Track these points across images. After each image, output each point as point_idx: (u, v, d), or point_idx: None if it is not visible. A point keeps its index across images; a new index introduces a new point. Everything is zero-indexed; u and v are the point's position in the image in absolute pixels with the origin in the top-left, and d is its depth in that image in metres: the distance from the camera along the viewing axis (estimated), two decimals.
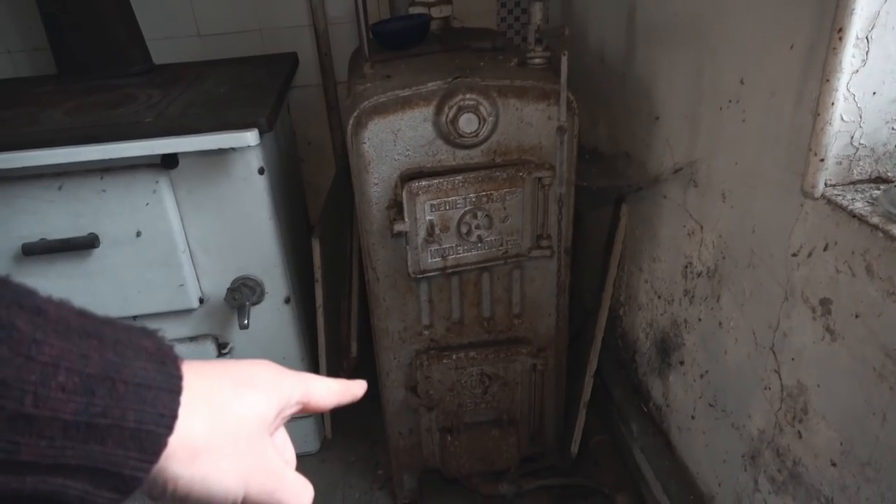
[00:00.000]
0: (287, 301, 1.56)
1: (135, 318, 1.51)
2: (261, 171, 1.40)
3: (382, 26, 1.49)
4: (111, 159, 1.29)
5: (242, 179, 1.40)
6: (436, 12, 1.56)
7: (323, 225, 1.62)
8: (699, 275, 1.11)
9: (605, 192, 1.38)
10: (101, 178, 1.34)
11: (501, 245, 1.24)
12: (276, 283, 1.54)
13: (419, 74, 1.25)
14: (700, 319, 1.12)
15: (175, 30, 1.95)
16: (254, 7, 1.95)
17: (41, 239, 1.37)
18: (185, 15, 1.94)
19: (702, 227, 1.09)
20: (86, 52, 1.71)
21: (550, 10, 1.96)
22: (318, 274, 1.58)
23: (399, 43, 1.47)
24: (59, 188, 1.34)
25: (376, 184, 1.22)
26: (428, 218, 1.18)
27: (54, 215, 1.36)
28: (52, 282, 1.42)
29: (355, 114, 1.18)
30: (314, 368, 1.69)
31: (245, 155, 1.37)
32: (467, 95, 1.14)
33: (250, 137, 1.29)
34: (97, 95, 1.59)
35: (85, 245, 1.37)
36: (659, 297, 1.28)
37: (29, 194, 1.34)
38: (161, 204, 1.38)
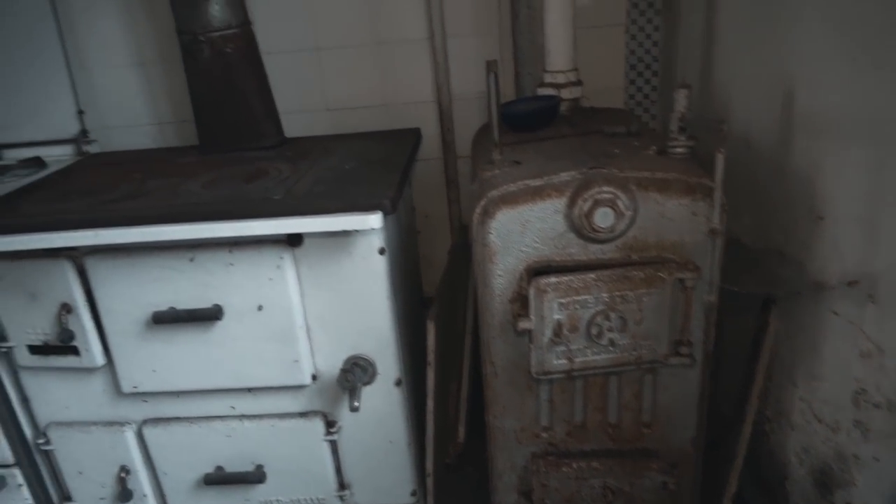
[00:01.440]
0: (398, 384, 1.51)
1: (249, 390, 1.52)
2: (381, 252, 1.38)
3: (511, 108, 1.46)
4: (241, 236, 1.31)
5: (363, 259, 1.39)
6: (566, 93, 1.51)
7: (439, 307, 1.57)
8: (877, 406, 0.95)
9: (754, 293, 1.25)
10: (230, 251, 1.37)
11: (635, 349, 1.13)
12: (388, 365, 1.49)
13: (550, 162, 1.19)
14: (878, 459, 0.95)
15: (306, 104, 2.02)
16: (381, 84, 1.99)
17: (170, 307, 1.41)
18: (316, 91, 2.01)
19: (882, 351, 0.93)
20: (225, 126, 1.80)
21: None
22: (431, 357, 1.53)
23: (527, 125, 1.43)
24: (191, 259, 1.38)
25: (500, 275, 1.15)
26: (555, 317, 1.10)
27: (184, 285, 1.40)
28: (178, 348, 1.45)
29: (483, 202, 1.13)
30: (420, 453, 1.62)
31: (367, 235, 1.36)
32: (604, 188, 1.07)
33: (374, 220, 1.27)
34: (232, 168, 1.65)
35: (210, 317, 1.39)
36: (819, 422, 1.11)
37: (163, 264, 1.38)
38: (283, 280, 1.39)
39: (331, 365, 1.49)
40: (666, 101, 1.89)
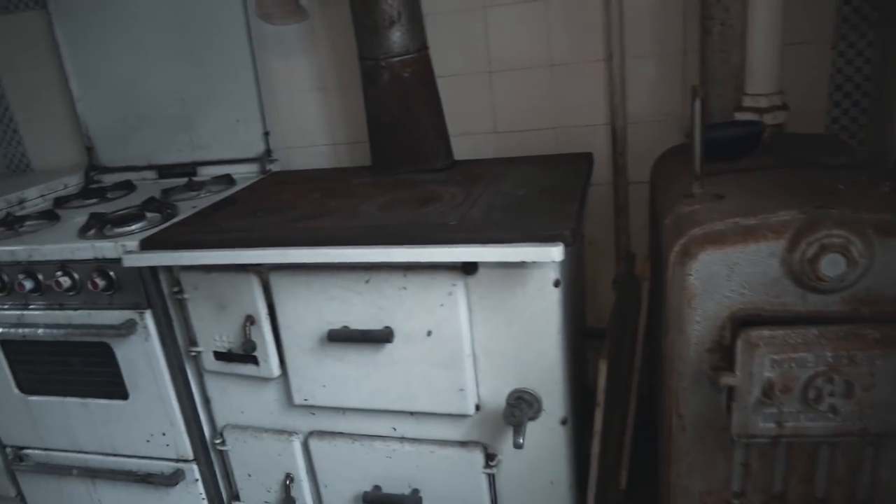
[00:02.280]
0: (563, 422, 1.44)
1: (412, 413, 1.51)
2: (556, 284, 1.32)
3: (708, 134, 1.34)
4: (417, 261, 1.31)
5: (536, 290, 1.33)
6: (769, 119, 1.37)
7: (611, 345, 1.48)
8: None
9: None
10: (405, 275, 1.37)
11: (860, 419, 0.97)
12: (554, 402, 1.42)
13: (761, 197, 1.07)
14: None
15: (475, 127, 2.02)
16: (552, 107, 1.94)
17: (344, 326, 1.44)
18: (486, 113, 2.00)
19: None
20: (398, 148, 1.83)
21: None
22: (600, 398, 1.43)
23: (725, 154, 1.30)
24: (367, 281, 1.40)
25: (699, 322, 1.05)
26: (766, 374, 0.97)
27: (359, 306, 1.42)
28: (348, 366, 1.48)
29: (682, 241, 1.03)
30: (581, 497, 1.53)
31: (542, 266, 1.30)
32: (834, 231, 0.93)
33: (555, 253, 1.21)
34: (405, 190, 1.67)
35: (381, 339, 1.40)
36: None
37: (341, 284, 1.42)
38: (455, 307, 1.36)
39: (494, 396, 1.45)
40: (880, 127, 1.66)
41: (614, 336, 1.56)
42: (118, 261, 1.54)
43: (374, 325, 1.42)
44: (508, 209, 1.43)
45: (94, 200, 2.08)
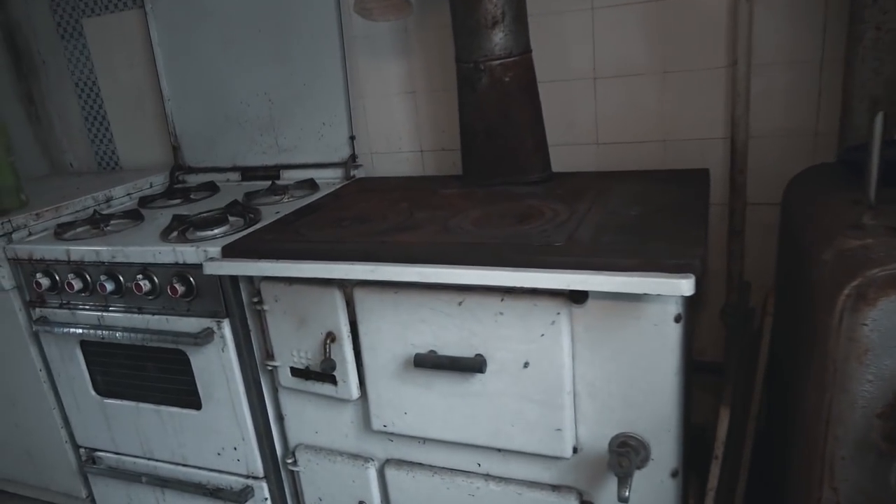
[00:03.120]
0: (674, 475, 1.26)
1: (500, 450, 1.37)
2: (677, 320, 1.15)
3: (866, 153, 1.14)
4: (519, 286, 1.17)
5: (653, 325, 1.17)
6: None
7: (734, 389, 1.29)
8: None
9: None
10: (502, 299, 1.23)
11: None
12: (664, 450, 1.25)
13: None
14: None
15: (575, 136, 1.86)
16: (662, 118, 1.76)
17: (431, 351, 1.32)
18: (587, 122, 1.84)
19: None
20: (493, 157, 1.70)
21: None
22: (719, 450, 1.25)
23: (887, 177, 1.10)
24: (460, 304, 1.27)
25: (870, 381, 0.86)
26: None
27: (449, 329, 1.29)
28: (434, 394, 1.35)
29: (856, 283, 0.85)
30: None
31: (663, 299, 1.14)
32: None
33: (684, 286, 1.04)
34: (500, 205, 1.54)
35: (472, 367, 1.27)
36: None
37: (430, 305, 1.29)
38: (557, 337, 1.22)
39: (596, 439, 1.29)
40: None
41: (737, 383, 1.37)
42: (199, 266, 1.47)
43: (465, 351, 1.29)
44: (622, 231, 1.27)
45: (177, 201, 2.05)
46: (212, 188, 2.14)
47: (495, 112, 1.64)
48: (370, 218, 1.56)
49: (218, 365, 1.59)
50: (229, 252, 1.46)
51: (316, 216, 1.65)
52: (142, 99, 2.38)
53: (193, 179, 2.29)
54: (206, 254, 1.49)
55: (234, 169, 2.24)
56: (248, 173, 2.22)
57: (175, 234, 1.62)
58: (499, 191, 1.66)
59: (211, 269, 1.41)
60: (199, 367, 1.62)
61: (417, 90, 2.00)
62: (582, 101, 1.83)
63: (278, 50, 2.06)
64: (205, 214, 1.73)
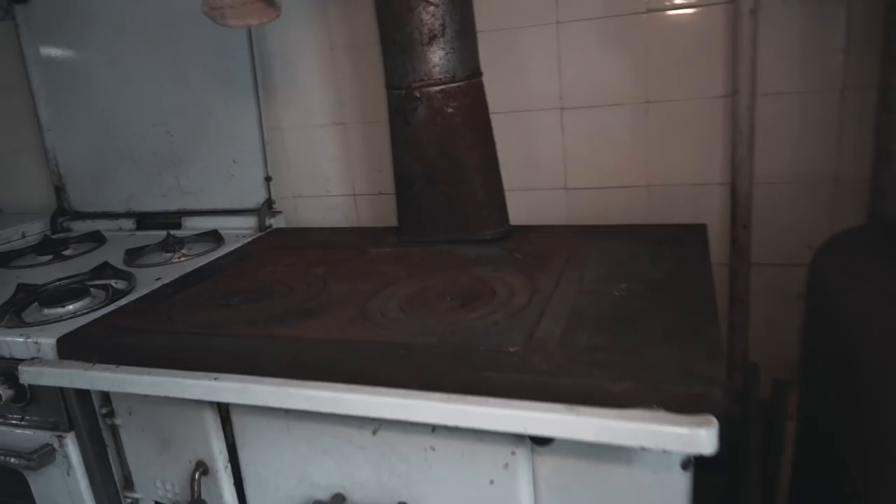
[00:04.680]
0: None
1: None
2: (685, 466, 0.79)
3: None
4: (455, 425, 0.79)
5: (652, 474, 0.80)
6: None
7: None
8: None
9: None
10: (433, 430, 0.86)
11: None
12: None
13: None
14: None
15: (536, 180, 1.51)
16: (645, 158, 1.42)
17: (337, 494, 0.93)
18: (553, 162, 1.49)
19: None
20: (433, 209, 1.33)
21: None
22: None
23: None
24: (374, 433, 0.89)
25: None
26: None
27: (362, 467, 0.91)
28: None
29: None
30: None
31: None
32: None
33: (704, 439, 0.68)
34: (441, 275, 1.17)
35: None
36: None
37: (336, 433, 0.91)
38: (512, 486, 0.84)
39: None
40: None
41: (753, 490, 1.01)
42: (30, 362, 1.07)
43: (384, 497, 0.91)
44: (603, 324, 0.91)
45: (47, 257, 1.63)
46: (97, 239, 1.74)
47: (435, 151, 1.28)
48: (270, 291, 1.18)
49: (64, 492, 1.18)
50: (66, 346, 1.06)
51: (203, 287, 1.26)
52: (18, 129, 1.96)
53: (80, 227, 1.87)
54: (37, 347, 1.08)
55: (128, 215, 1.84)
56: (145, 220, 1.82)
57: (9, 314, 1.21)
58: (443, 251, 1.30)
59: (28, 377, 1.01)
60: (40, 494, 1.21)
61: (348, 121, 1.64)
62: (546, 137, 1.48)
63: (179, 71, 1.68)
64: (58, 284, 1.33)
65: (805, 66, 1.27)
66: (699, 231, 1.29)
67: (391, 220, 1.62)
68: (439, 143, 1.27)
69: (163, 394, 0.90)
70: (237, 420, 0.96)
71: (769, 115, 1.31)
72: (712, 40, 1.31)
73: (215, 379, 0.87)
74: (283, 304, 1.11)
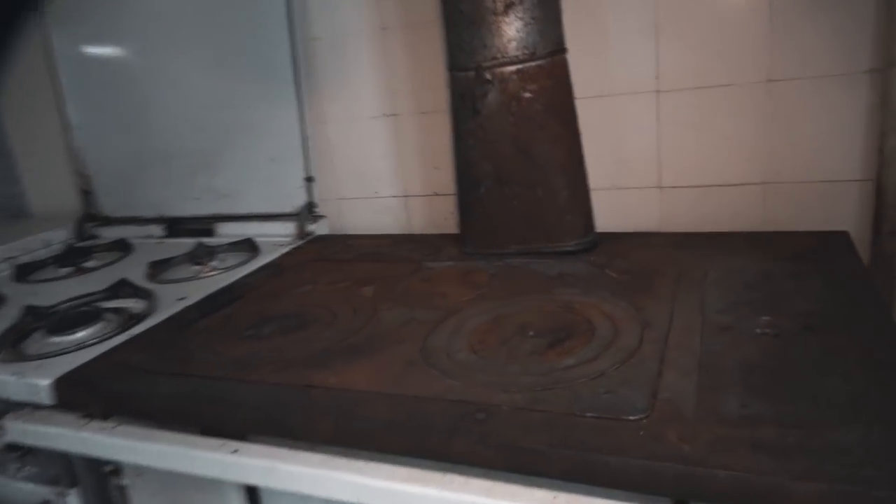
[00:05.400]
0: None
1: None
2: None
3: None
4: None
5: None
6: None
7: None
8: None
9: None
10: None
11: None
12: None
13: None
14: None
15: (626, 178, 1.26)
16: (761, 149, 1.16)
17: None
18: (646, 156, 1.24)
19: None
20: (506, 214, 1.10)
21: None
22: None
23: None
24: None
25: None
26: None
27: None
28: None
29: None
30: None
31: None
32: None
33: None
34: (519, 299, 0.94)
35: None
36: None
37: None
38: None
39: None
40: None
41: None
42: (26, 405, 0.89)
43: None
44: (754, 379, 0.66)
45: (68, 269, 1.47)
46: (123, 248, 1.57)
47: (509, 145, 1.05)
48: (309, 318, 0.97)
49: None
50: (64, 389, 0.87)
51: (232, 310, 1.06)
52: (45, 128, 1.82)
53: (108, 234, 1.71)
54: (32, 389, 0.90)
55: (158, 220, 1.67)
56: (176, 226, 1.64)
57: (8, 345, 1.03)
58: (516, 266, 1.07)
59: (13, 433, 0.82)
60: None
61: (400, 112, 1.42)
62: (637, 125, 1.23)
63: (211, 59, 1.49)
64: (69, 305, 1.15)
65: None
66: (841, 241, 1.02)
67: (449, 227, 1.40)
68: (513, 135, 1.04)
69: (169, 467, 0.70)
70: (266, 499, 0.75)
71: None
72: (854, 3, 1.04)
73: (235, 452, 0.66)
74: (324, 338, 0.90)
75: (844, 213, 1.13)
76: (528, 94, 1.01)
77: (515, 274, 1.04)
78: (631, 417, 0.62)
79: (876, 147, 1.08)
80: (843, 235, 1.04)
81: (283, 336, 0.93)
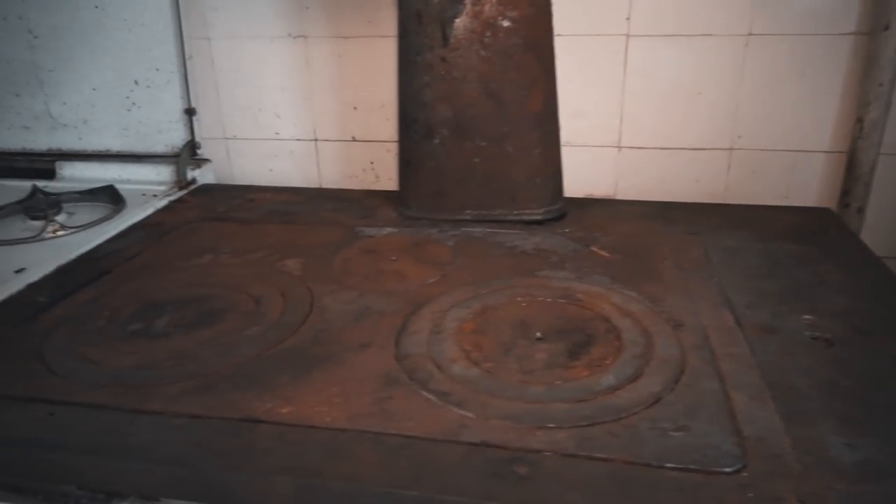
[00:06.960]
0: None
1: None
2: None
3: None
4: None
5: None
6: None
7: None
8: None
9: None
10: None
11: None
12: None
13: None
14: None
15: (582, 133, 1.10)
16: (730, 111, 1.04)
17: None
18: (607, 111, 1.08)
19: None
20: (466, 172, 0.90)
21: None
22: None
23: None
24: None
25: None
26: None
27: None
28: None
29: None
30: None
31: None
32: None
33: None
34: (501, 285, 0.75)
35: None
36: None
37: None
38: None
39: None
40: None
41: None
42: None
43: None
44: (839, 403, 0.54)
45: None
46: None
47: (477, 85, 0.84)
48: (219, 304, 0.72)
49: None
50: None
51: (96, 290, 0.77)
52: None
53: None
54: None
55: None
56: (1, 163, 1.24)
57: None
58: (479, 237, 0.88)
59: None
60: None
61: (310, 34, 1.13)
62: (601, 74, 1.06)
63: None
64: None
65: None
66: (829, 219, 0.94)
67: (370, 181, 1.16)
68: (483, 73, 0.83)
69: None
70: None
71: None
72: None
73: None
74: (251, 337, 0.66)
75: (807, 186, 1.06)
76: (507, 23, 0.80)
77: (481, 247, 0.85)
78: (727, 470, 0.47)
79: (851, 118, 1.01)
80: (825, 212, 0.97)
81: (187, 333, 0.67)
